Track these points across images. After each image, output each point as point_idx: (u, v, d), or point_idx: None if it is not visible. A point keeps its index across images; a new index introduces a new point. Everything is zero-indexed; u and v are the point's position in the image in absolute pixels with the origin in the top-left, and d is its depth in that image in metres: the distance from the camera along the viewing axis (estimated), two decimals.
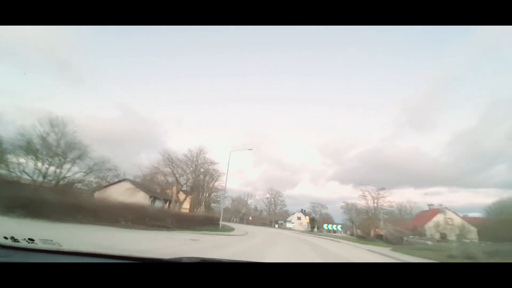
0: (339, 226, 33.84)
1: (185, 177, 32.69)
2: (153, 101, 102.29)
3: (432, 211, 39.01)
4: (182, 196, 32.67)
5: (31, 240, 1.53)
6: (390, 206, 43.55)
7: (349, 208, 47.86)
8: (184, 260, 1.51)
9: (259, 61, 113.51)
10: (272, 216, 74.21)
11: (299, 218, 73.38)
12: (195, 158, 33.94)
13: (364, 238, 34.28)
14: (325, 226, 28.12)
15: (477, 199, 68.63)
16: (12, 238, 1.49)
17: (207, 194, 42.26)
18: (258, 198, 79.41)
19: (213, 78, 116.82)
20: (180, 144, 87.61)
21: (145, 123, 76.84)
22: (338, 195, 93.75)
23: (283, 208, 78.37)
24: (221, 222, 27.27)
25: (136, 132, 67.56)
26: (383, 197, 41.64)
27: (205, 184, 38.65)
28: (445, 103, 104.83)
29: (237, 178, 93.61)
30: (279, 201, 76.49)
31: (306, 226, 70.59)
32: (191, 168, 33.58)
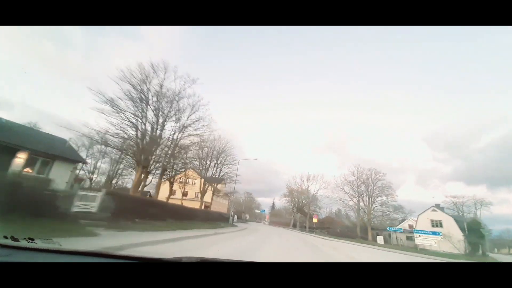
0: None
1: None
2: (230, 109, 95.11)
3: None
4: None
5: (31, 239, 1.56)
6: None
7: None
8: (184, 260, 1.52)
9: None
10: (367, 221, 36.28)
11: (436, 224, 32.00)
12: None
13: None
14: None
15: None
16: (12, 237, 1.53)
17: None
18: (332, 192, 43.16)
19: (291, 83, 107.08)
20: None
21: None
22: (461, 200, 47.59)
23: (391, 202, 38.42)
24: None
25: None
26: None
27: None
28: None
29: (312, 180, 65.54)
30: (376, 189, 37.71)
31: (464, 245, 29.19)
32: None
